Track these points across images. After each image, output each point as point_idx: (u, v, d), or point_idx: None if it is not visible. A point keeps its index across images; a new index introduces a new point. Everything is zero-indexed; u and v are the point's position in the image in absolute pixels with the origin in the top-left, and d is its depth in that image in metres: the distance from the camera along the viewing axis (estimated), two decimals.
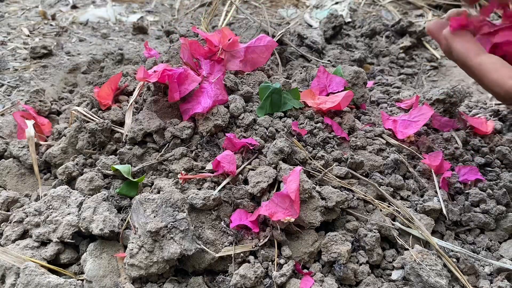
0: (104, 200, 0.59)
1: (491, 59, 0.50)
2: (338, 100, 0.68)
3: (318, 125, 0.68)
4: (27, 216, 0.60)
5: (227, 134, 0.63)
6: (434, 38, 0.59)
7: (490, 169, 0.73)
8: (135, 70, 0.84)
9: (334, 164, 0.63)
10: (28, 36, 1.18)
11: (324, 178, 0.61)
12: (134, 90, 0.75)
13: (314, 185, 0.58)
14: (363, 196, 0.60)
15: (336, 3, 1.39)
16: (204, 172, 0.62)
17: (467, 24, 0.55)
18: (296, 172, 0.55)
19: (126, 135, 0.67)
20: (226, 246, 0.55)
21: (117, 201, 0.61)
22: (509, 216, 0.64)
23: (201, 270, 0.55)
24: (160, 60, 0.82)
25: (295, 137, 0.65)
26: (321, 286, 0.52)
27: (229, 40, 0.73)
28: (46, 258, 0.55)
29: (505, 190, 0.66)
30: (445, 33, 0.55)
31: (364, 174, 0.64)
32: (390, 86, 0.99)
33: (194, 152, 0.65)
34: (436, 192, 0.64)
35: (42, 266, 0.54)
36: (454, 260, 0.57)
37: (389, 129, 0.73)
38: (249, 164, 0.62)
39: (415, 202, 0.63)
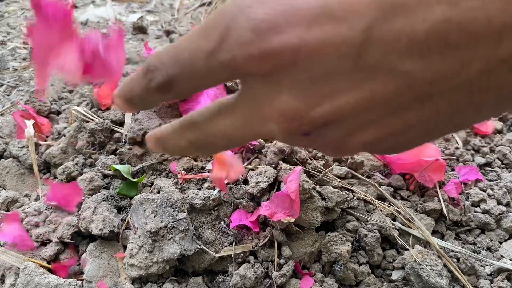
0: (103, 200, 0.59)
1: None
2: None
3: None
4: (26, 216, 0.59)
5: None
6: None
7: (490, 169, 0.73)
8: (135, 70, 0.84)
9: (334, 164, 0.63)
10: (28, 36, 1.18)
11: (324, 178, 0.60)
12: None
13: (314, 185, 0.58)
14: (363, 196, 0.60)
15: None
16: (204, 172, 0.62)
17: None
18: (296, 172, 0.55)
19: (126, 135, 0.67)
20: (226, 246, 0.55)
21: (117, 201, 0.61)
22: (509, 216, 0.64)
23: (201, 270, 0.55)
24: None
25: None
26: (321, 286, 0.52)
27: None
28: (45, 258, 0.55)
29: (505, 190, 0.66)
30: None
31: (364, 174, 0.64)
32: None
33: None
34: (437, 192, 0.64)
35: (42, 266, 0.54)
36: (455, 260, 0.57)
37: None
38: (249, 164, 0.62)
39: (415, 202, 0.63)
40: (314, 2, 0.18)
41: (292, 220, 0.53)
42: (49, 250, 0.56)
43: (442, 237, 0.61)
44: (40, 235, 0.56)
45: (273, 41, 0.18)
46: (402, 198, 0.64)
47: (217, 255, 0.54)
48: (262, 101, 0.22)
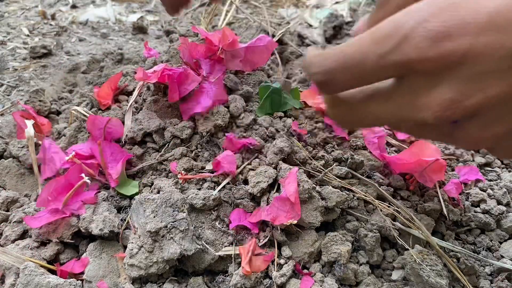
0: (103, 200, 0.59)
1: None
2: None
3: (318, 125, 0.68)
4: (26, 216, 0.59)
5: (227, 134, 0.63)
6: None
7: (490, 169, 0.73)
8: (135, 70, 0.84)
9: (334, 164, 0.63)
10: (28, 36, 1.18)
11: (324, 178, 0.60)
12: (134, 90, 0.74)
13: (314, 185, 0.58)
14: (363, 196, 0.60)
15: (337, 2, 1.39)
16: (204, 172, 0.62)
17: None
18: (293, 173, 0.55)
19: (126, 135, 0.67)
20: (226, 246, 0.55)
21: (117, 201, 0.61)
22: (510, 216, 0.64)
23: (201, 270, 0.55)
24: (160, 60, 0.82)
25: (295, 137, 0.65)
26: (321, 286, 0.52)
27: (229, 40, 0.73)
28: (46, 258, 0.55)
29: (505, 190, 0.66)
30: None
31: (364, 174, 0.64)
32: None
33: (194, 152, 0.65)
34: (437, 192, 0.64)
35: (42, 266, 0.54)
36: (455, 260, 0.57)
37: (389, 129, 0.73)
38: (249, 164, 0.62)
39: (415, 202, 0.63)
40: (481, 17, 0.24)
41: (295, 222, 0.53)
42: (49, 250, 0.56)
43: (442, 237, 0.61)
44: (40, 235, 0.56)
45: (447, 47, 0.24)
46: (402, 198, 0.64)
47: (217, 254, 0.54)
48: (421, 92, 0.27)
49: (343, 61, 0.28)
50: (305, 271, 0.54)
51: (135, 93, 0.71)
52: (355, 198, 0.60)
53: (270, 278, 0.52)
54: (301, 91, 0.72)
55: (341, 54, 0.28)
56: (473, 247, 0.62)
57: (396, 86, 0.29)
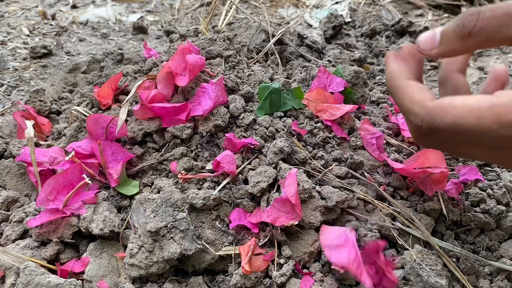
0: (104, 200, 0.60)
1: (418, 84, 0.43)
2: (339, 115, 0.67)
3: (318, 125, 0.68)
4: (27, 216, 0.60)
5: (226, 134, 0.63)
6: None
7: (490, 169, 0.73)
8: (135, 70, 0.84)
9: (334, 164, 0.63)
10: (28, 36, 1.18)
11: (324, 178, 0.61)
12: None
13: (314, 185, 0.58)
14: (363, 196, 0.60)
15: (336, 3, 1.40)
16: (204, 172, 0.62)
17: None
18: (292, 175, 0.55)
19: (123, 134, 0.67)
20: (226, 246, 0.55)
21: (117, 201, 0.61)
22: (509, 216, 0.64)
23: (201, 270, 0.55)
24: (160, 60, 0.82)
25: (295, 137, 0.65)
26: (321, 286, 0.52)
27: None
28: (46, 258, 0.55)
29: (505, 190, 0.66)
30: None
31: (364, 174, 0.64)
32: None
33: (194, 152, 0.65)
34: (436, 192, 0.64)
35: (42, 265, 0.54)
36: (454, 260, 0.57)
37: (394, 123, 0.74)
38: (249, 164, 0.62)
39: (415, 202, 0.63)
40: None
41: (296, 223, 0.53)
42: (49, 250, 0.56)
43: (441, 237, 0.61)
44: (40, 234, 0.57)
45: None
46: (402, 198, 0.64)
47: (217, 253, 0.54)
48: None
49: (460, 129, 0.35)
50: (305, 270, 0.54)
51: (133, 91, 0.70)
52: (355, 198, 0.61)
53: (270, 277, 0.52)
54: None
55: (460, 122, 0.35)
56: (472, 247, 0.62)
57: (504, 152, 0.36)
